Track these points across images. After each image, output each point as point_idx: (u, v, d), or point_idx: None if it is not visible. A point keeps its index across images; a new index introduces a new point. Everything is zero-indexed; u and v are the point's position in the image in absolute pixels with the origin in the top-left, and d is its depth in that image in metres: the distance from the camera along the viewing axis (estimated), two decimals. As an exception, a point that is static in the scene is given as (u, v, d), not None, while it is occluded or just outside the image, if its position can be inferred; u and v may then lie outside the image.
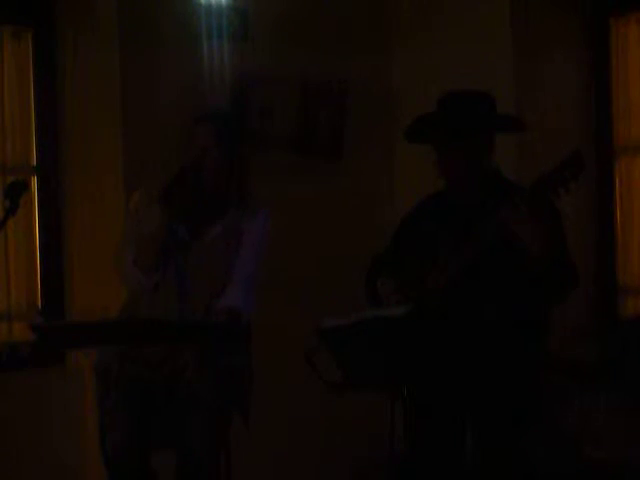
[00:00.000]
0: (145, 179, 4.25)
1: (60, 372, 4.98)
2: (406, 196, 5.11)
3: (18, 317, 4.96)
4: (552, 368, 4.70)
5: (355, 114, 5.45)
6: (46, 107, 5.04)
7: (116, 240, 4.22)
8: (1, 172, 4.93)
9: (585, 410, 4.85)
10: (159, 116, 4.88)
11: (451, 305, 3.71)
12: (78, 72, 5.01)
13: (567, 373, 4.87)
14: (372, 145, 5.54)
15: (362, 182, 5.50)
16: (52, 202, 5.06)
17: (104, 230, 4.86)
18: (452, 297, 3.73)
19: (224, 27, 5.07)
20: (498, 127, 3.90)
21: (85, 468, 4.85)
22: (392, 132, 5.52)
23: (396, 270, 3.97)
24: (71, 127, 5.04)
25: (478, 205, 3.79)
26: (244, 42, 5.15)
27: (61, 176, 5.07)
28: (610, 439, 4.79)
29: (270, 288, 5.07)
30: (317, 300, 5.02)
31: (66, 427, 4.91)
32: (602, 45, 5.28)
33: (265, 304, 5.02)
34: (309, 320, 3.51)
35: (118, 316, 4.00)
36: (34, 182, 5.00)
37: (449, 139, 3.79)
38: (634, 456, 4.70)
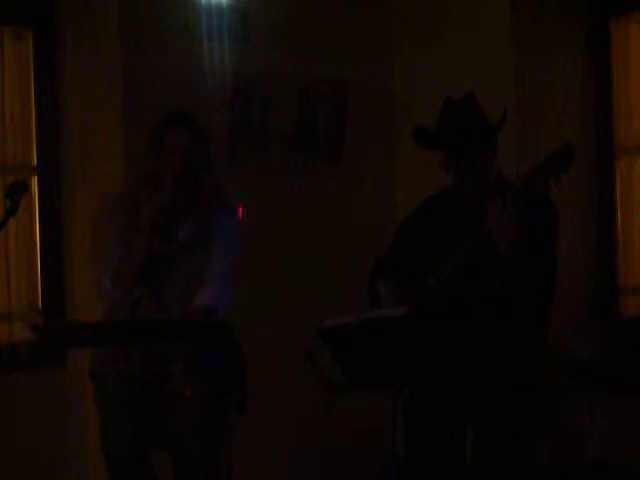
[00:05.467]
0: (110, 194, 4.24)
1: (60, 372, 4.97)
2: (407, 196, 5.13)
3: (18, 317, 4.96)
4: (552, 368, 4.70)
5: (356, 114, 5.45)
6: (46, 107, 5.04)
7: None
8: (1, 172, 4.92)
9: (585, 410, 4.85)
10: (159, 117, 4.87)
11: (451, 305, 3.71)
12: (78, 72, 5.01)
13: (567, 373, 4.87)
14: (373, 145, 5.54)
15: (363, 182, 5.50)
16: (52, 202, 5.06)
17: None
18: (452, 297, 3.73)
19: (224, 28, 5.07)
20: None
21: (85, 468, 4.85)
22: (393, 132, 5.52)
23: (397, 270, 3.97)
24: (71, 127, 5.04)
25: (478, 206, 3.80)
26: (244, 42, 5.15)
27: (61, 176, 5.07)
28: (610, 439, 4.79)
29: (271, 288, 5.09)
30: (317, 300, 5.02)
31: (66, 427, 4.91)
32: (602, 45, 5.27)
33: (265, 304, 5.04)
34: (309, 320, 3.51)
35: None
36: (34, 182, 5.00)
37: (460, 144, 3.79)
38: (634, 457, 4.70)
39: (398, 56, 5.57)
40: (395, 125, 5.50)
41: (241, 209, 4.01)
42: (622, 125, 5.25)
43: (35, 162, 5.05)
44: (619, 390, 4.80)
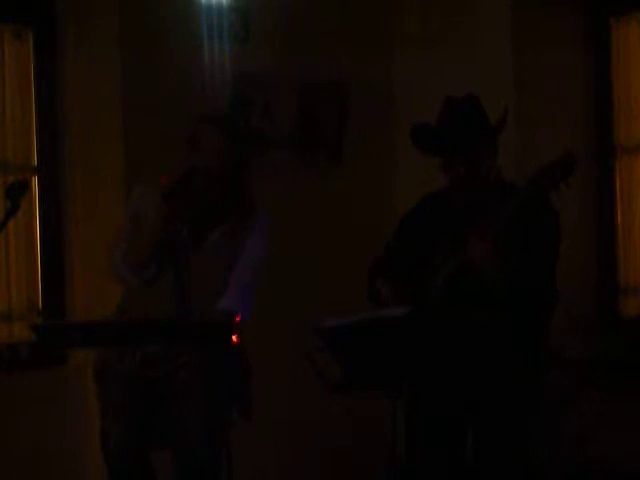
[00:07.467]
0: (145, 179, 4.25)
1: (60, 372, 4.98)
2: (407, 196, 5.11)
3: (18, 317, 4.96)
4: (552, 367, 4.70)
5: (355, 114, 5.45)
6: (46, 107, 5.04)
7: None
8: (1, 172, 4.93)
9: (585, 410, 4.85)
10: (159, 116, 4.88)
11: (450, 305, 3.71)
12: (78, 72, 5.01)
13: (567, 373, 4.87)
14: (372, 145, 5.54)
15: (362, 182, 5.50)
16: (52, 202, 5.06)
17: (104, 229, 4.86)
18: (451, 297, 3.73)
19: (224, 27, 5.07)
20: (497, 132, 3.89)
21: (85, 468, 4.85)
22: (392, 132, 5.52)
23: (396, 270, 3.97)
24: (71, 127, 5.05)
25: (477, 206, 3.80)
26: (244, 42, 5.15)
27: (61, 176, 5.07)
28: (610, 439, 4.79)
29: (271, 288, 5.09)
30: (317, 300, 5.02)
31: (66, 427, 4.91)
32: (602, 45, 5.28)
33: (265, 304, 5.03)
34: (309, 320, 3.51)
35: (114, 314, 3.98)
36: (34, 182, 5.00)
37: (458, 148, 3.79)
38: (634, 456, 4.71)
39: (398, 56, 5.58)
40: (395, 125, 5.50)
41: (269, 224, 4.03)
42: (622, 125, 5.26)
43: (35, 162, 5.05)
44: (619, 390, 4.80)
